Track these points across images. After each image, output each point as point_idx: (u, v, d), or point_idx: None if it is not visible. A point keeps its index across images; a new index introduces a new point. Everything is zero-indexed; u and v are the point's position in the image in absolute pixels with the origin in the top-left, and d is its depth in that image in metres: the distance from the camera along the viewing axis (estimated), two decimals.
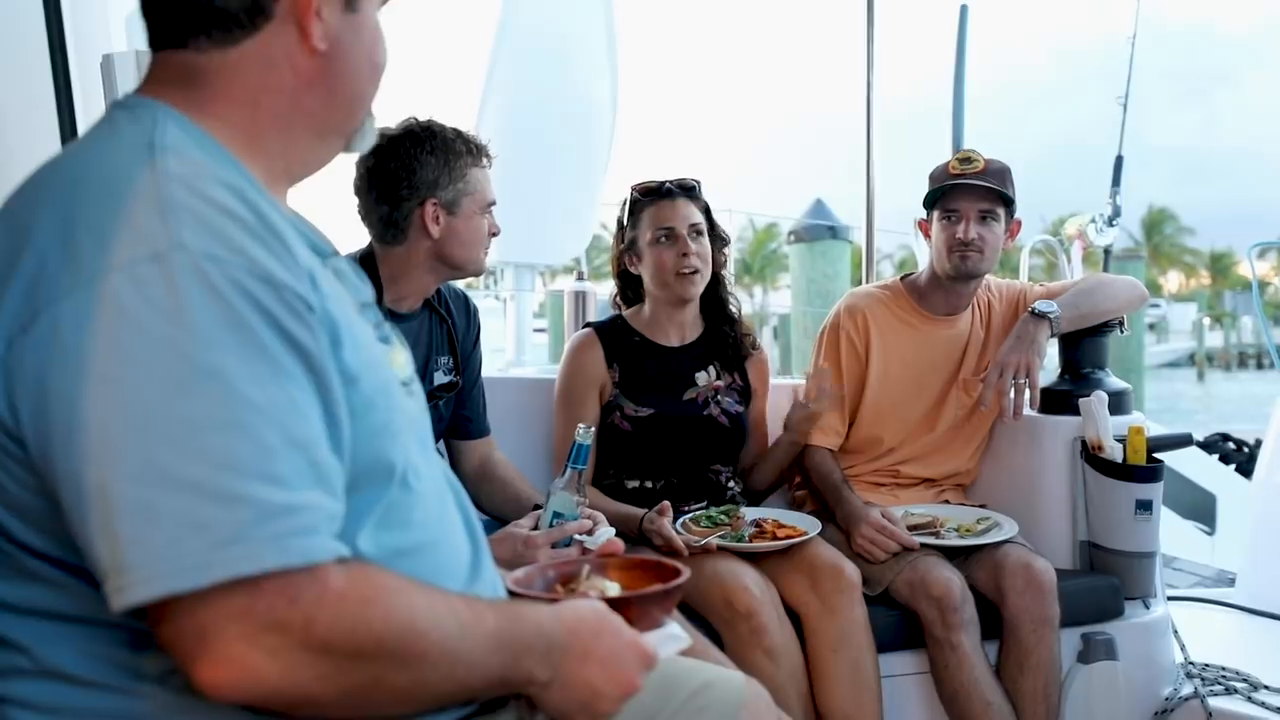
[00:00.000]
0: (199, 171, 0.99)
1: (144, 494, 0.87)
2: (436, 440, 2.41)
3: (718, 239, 2.61)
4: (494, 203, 2.29)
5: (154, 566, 0.87)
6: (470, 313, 2.51)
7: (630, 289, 2.67)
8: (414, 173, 2.19)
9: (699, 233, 2.52)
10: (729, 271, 2.69)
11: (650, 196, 2.55)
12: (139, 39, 1.11)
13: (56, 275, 0.93)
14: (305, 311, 0.97)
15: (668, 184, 2.55)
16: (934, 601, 2.32)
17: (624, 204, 2.61)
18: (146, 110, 1.05)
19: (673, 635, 1.20)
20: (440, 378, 2.39)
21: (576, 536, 1.97)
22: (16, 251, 0.96)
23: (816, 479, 2.64)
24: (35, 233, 0.96)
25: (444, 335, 2.41)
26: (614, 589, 1.24)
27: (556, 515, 2.00)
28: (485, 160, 2.28)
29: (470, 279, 2.49)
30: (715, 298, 2.64)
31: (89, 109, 2.39)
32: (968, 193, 2.57)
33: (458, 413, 2.47)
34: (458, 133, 2.25)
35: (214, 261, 0.92)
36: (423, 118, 2.24)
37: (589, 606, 1.12)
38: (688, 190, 2.55)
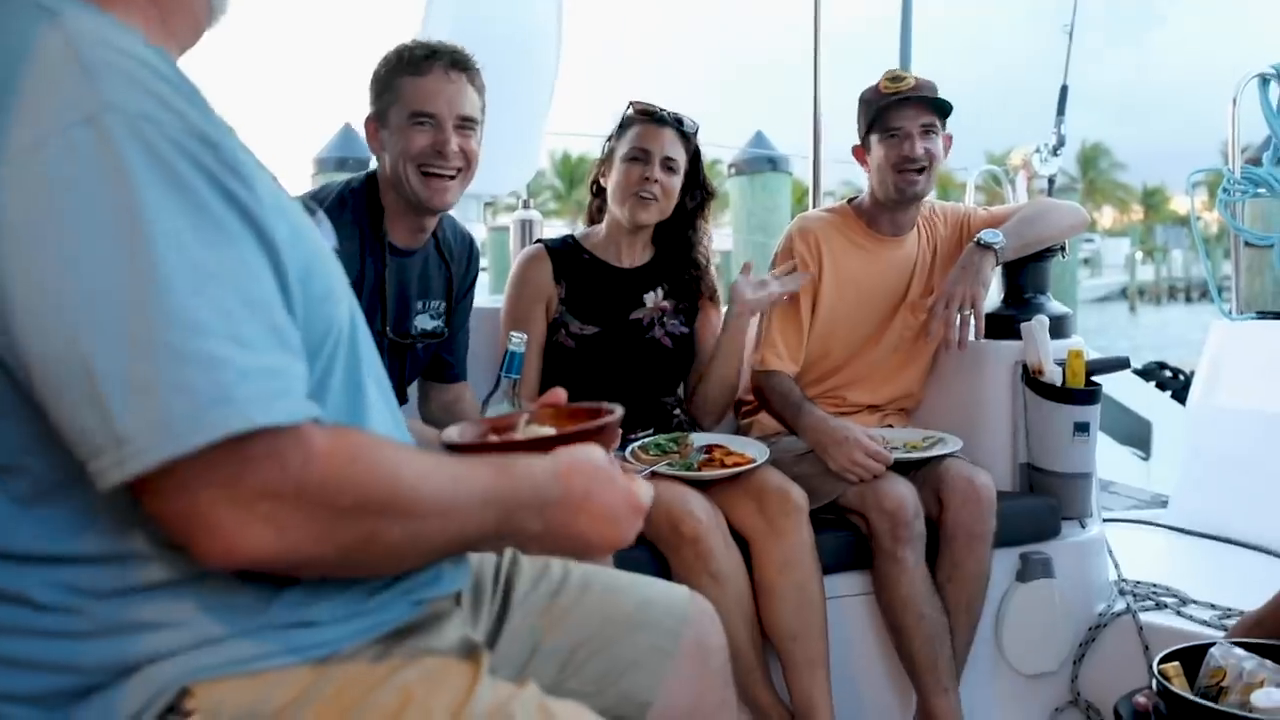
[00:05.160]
0: (114, 30, 0.93)
1: (122, 363, 0.85)
2: (409, 383, 2.37)
3: (701, 189, 2.59)
4: (426, 113, 2.09)
5: (148, 435, 0.84)
6: (472, 258, 2.42)
7: (601, 207, 2.63)
8: (370, 96, 2.17)
9: (671, 169, 2.49)
10: (709, 225, 2.68)
11: (643, 117, 2.52)
12: None
13: None
14: (243, 169, 0.94)
15: (664, 112, 2.52)
16: (886, 515, 2.32)
17: (620, 119, 2.55)
18: None
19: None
20: (427, 322, 2.31)
21: None
22: None
23: (776, 399, 2.58)
24: None
25: (443, 281, 2.33)
26: (549, 433, 1.23)
27: None
28: (425, 68, 2.09)
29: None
30: (683, 238, 2.62)
31: None
32: (908, 108, 2.57)
33: (440, 355, 2.41)
34: (403, 46, 2.15)
35: (150, 121, 0.89)
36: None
37: (584, 459, 1.11)
38: (679, 124, 2.52)
